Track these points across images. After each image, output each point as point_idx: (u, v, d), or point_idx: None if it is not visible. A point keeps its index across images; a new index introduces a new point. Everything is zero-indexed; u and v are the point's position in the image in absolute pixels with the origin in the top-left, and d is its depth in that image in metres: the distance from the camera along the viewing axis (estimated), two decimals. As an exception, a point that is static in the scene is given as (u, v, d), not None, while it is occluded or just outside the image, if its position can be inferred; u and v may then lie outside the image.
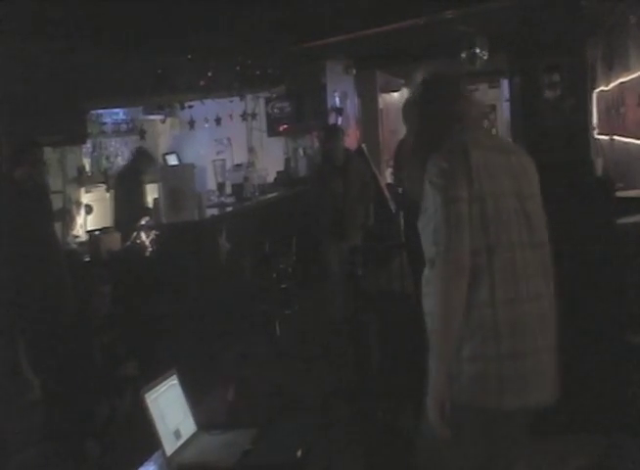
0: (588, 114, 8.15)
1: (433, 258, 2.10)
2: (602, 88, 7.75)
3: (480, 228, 2.07)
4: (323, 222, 6.43)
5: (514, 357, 2.06)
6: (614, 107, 7.00)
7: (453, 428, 2.05)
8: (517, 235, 2.13)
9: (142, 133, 9.47)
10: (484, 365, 2.06)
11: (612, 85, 7.10)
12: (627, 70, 6.35)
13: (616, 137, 7.03)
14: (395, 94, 12.87)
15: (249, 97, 9.76)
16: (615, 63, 7.04)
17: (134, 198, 7.48)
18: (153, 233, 6.51)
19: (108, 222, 7.62)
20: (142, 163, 7.75)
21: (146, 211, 7.51)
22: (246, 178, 8.96)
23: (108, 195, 8.45)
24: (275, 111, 9.83)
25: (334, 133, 6.56)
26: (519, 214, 2.16)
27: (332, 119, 9.31)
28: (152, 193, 8.19)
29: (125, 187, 7.55)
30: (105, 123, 9.36)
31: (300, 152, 9.80)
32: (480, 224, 2.07)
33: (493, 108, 14.11)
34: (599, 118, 8.06)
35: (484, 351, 2.06)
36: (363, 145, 9.41)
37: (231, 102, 9.67)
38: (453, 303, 2.04)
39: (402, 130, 7.84)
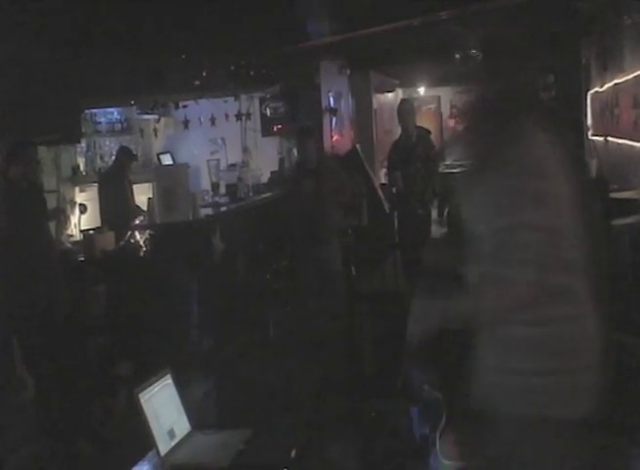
0: (582, 115, 8.17)
1: (485, 274, 2.00)
2: (596, 89, 7.78)
3: (550, 249, 1.96)
4: (293, 228, 6.13)
5: (568, 371, 2.03)
6: (608, 108, 7.03)
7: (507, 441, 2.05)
8: (574, 243, 2.04)
9: (141, 132, 9.48)
10: (550, 378, 2.02)
11: (606, 86, 7.13)
12: (622, 71, 6.37)
13: (610, 138, 7.06)
14: (390, 94, 12.88)
15: (243, 97, 9.75)
16: (609, 64, 7.06)
17: (119, 197, 7.46)
18: (147, 233, 6.50)
19: (102, 222, 7.61)
20: (125, 161, 7.75)
21: (137, 210, 7.51)
22: (240, 178, 8.95)
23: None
24: (269, 111, 9.81)
25: (305, 135, 6.20)
26: (574, 216, 2.05)
27: (326, 120, 9.31)
28: (146, 192, 8.18)
29: (110, 187, 7.55)
30: (99, 123, 9.35)
31: (295, 152, 9.79)
32: (549, 246, 1.95)
33: (488, 109, 14.13)
34: (593, 119, 8.08)
35: (547, 366, 2.02)
36: (357, 145, 9.41)
37: (225, 102, 9.65)
38: (479, 319, 2.04)
39: (397, 130, 7.85)
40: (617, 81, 6.54)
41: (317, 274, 5.90)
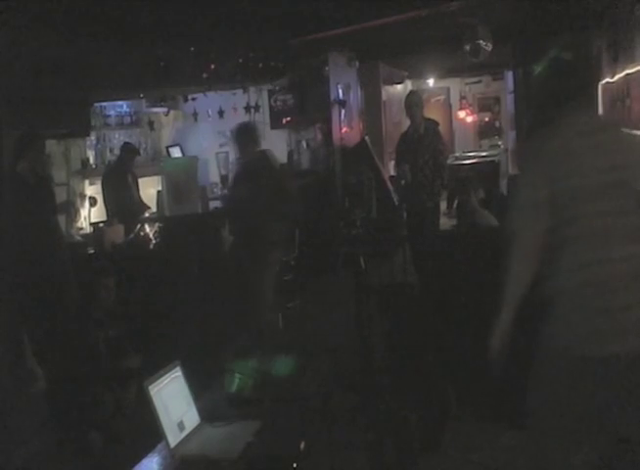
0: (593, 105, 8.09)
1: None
2: (607, 80, 7.71)
3: (559, 205, 2.39)
4: (235, 237, 5.69)
5: (600, 312, 2.35)
6: (619, 99, 6.97)
7: (554, 373, 2.44)
8: (600, 205, 2.39)
9: (151, 124, 9.50)
10: (574, 318, 2.39)
11: (617, 77, 7.07)
12: (633, 61, 6.32)
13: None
14: (399, 86, 12.82)
15: (252, 89, 9.74)
16: (620, 54, 7.00)
17: (123, 193, 7.49)
18: (156, 225, 6.52)
19: (111, 215, 7.62)
20: (127, 157, 7.77)
21: (142, 206, 7.53)
22: (249, 171, 8.93)
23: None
24: (278, 103, 9.81)
25: (242, 134, 5.68)
26: (607, 186, 2.41)
27: (335, 112, 9.29)
28: (155, 185, 8.19)
29: (113, 183, 7.57)
30: (108, 116, 9.37)
31: (304, 144, 9.78)
32: (559, 202, 2.38)
33: (497, 100, 14.07)
34: (604, 110, 8.02)
35: (573, 307, 2.40)
36: (366, 137, 9.39)
37: (234, 94, 9.65)
38: (516, 275, 2.45)
39: (406, 122, 7.81)
40: (628, 72, 6.48)
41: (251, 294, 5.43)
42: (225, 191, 8.15)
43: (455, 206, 7.22)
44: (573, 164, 2.41)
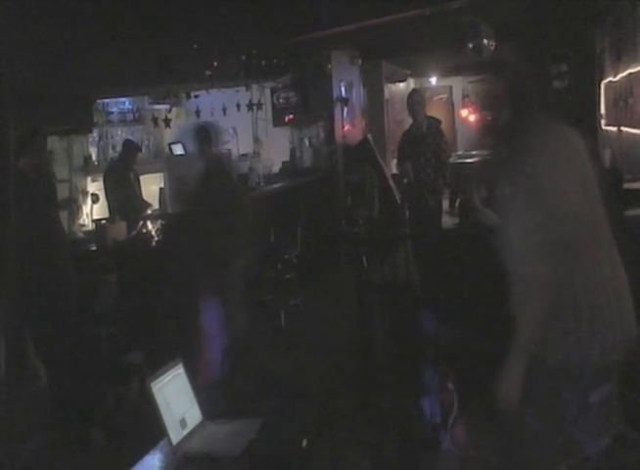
0: (596, 104, 8.10)
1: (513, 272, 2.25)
2: (610, 79, 7.71)
3: (555, 240, 2.19)
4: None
5: (587, 321, 2.25)
6: (622, 98, 6.97)
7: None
8: (587, 216, 2.28)
9: (153, 122, 9.51)
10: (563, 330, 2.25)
11: (620, 76, 7.07)
12: (636, 60, 6.32)
13: (624, 128, 7.00)
14: (401, 84, 12.83)
15: (254, 87, 9.74)
16: (623, 54, 7.00)
17: (125, 190, 7.49)
18: (158, 223, 6.53)
19: (113, 212, 7.62)
20: (129, 154, 7.78)
21: (144, 203, 7.53)
22: (251, 168, 8.94)
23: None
24: (281, 101, 9.80)
25: (197, 135, 5.48)
26: (586, 196, 2.29)
27: (337, 110, 9.29)
28: (157, 182, 8.19)
29: (114, 179, 7.57)
30: (111, 113, 9.38)
31: (306, 142, 9.78)
32: (554, 236, 2.19)
33: (500, 98, 14.06)
34: (607, 109, 8.02)
35: (566, 320, 2.25)
36: (369, 135, 9.39)
37: (237, 92, 9.65)
38: (537, 317, 2.22)
39: (408, 121, 7.82)
40: (631, 71, 6.48)
41: (218, 306, 5.17)
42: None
43: (457, 204, 7.22)
44: (564, 189, 2.26)
